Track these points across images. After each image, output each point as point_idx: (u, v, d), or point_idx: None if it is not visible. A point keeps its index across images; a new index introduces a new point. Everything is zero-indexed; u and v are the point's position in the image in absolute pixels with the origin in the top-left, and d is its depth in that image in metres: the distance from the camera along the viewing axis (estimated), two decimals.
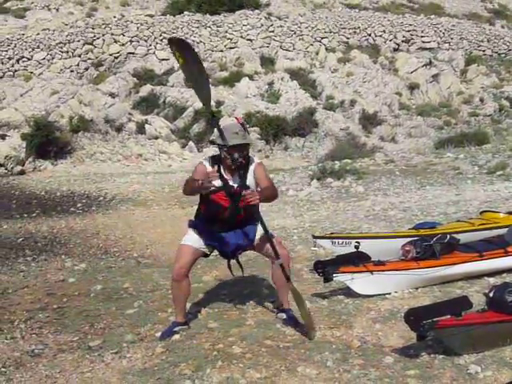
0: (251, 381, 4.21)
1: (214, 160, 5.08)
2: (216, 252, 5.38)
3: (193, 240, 5.17)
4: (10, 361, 4.83)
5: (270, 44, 30.47)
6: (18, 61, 28.03)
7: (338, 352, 4.64)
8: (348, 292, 5.97)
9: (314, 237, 7.29)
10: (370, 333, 5.01)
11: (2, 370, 4.67)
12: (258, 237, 5.16)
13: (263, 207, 5.96)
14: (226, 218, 5.06)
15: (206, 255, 5.35)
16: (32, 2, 34.15)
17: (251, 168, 5.04)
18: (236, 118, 5.41)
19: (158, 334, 5.19)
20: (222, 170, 5.00)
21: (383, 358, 4.48)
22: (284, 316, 5.21)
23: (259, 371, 4.35)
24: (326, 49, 30.94)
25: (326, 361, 4.48)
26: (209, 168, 5.00)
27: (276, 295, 5.56)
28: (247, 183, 4.98)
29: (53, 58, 28.35)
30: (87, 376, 4.50)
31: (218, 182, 4.95)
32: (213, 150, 21.68)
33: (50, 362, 4.78)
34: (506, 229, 6.75)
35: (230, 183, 5.01)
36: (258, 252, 5.35)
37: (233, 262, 5.44)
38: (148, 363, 4.64)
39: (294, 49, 30.60)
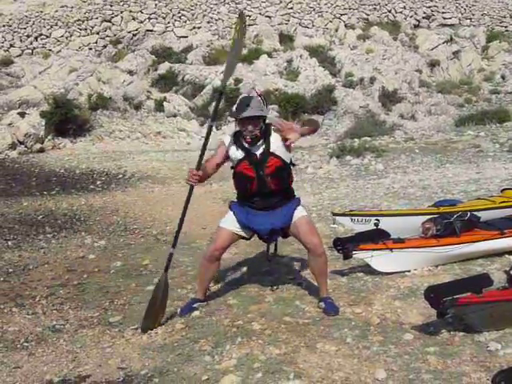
0: (270, 357, 4.22)
1: (236, 134, 5.07)
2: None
3: (229, 222, 5.17)
4: (31, 336, 4.90)
5: (288, 21, 30.24)
6: (36, 38, 28.08)
7: (357, 329, 4.64)
8: (367, 269, 5.96)
9: (334, 214, 7.28)
10: (389, 310, 5.00)
11: (25, 344, 4.74)
12: (294, 219, 5.07)
13: None
14: (255, 191, 5.00)
15: (245, 238, 5.30)
16: None
17: (274, 136, 4.96)
18: (254, 89, 5.43)
19: (178, 311, 5.21)
20: (243, 142, 4.98)
21: (403, 335, 4.47)
22: (323, 305, 5.06)
23: (278, 347, 4.36)
24: (346, 26, 30.66)
25: (346, 337, 4.48)
26: (231, 147, 5.05)
27: (315, 283, 5.37)
28: (271, 150, 4.94)
29: (71, 36, 28.37)
30: (108, 351, 4.55)
31: (239, 153, 4.99)
32: (231, 127, 21.68)
33: (71, 338, 4.83)
34: None
35: (252, 151, 4.97)
36: (293, 236, 5.22)
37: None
38: (168, 339, 4.68)
39: (313, 26, 30.35)
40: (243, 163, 4.98)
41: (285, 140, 4.85)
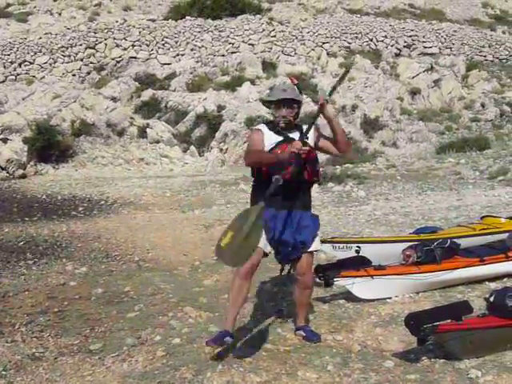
0: None
1: (269, 124, 4.95)
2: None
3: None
4: (10, 364, 4.82)
5: (271, 49, 30.53)
6: (20, 65, 28.11)
7: (338, 356, 4.64)
8: (349, 296, 5.98)
9: None
10: (370, 337, 5.01)
11: (3, 373, 4.67)
12: (313, 245, 4.91)
13: None
14: (289, 177, 4.62)
15: (265, 254, 4.90)
16: (34, 7, 34.32)
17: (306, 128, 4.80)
18: (290, 78, 5.39)
19: (159, 338, 5.18)
20: (277, 128, 4.84)
21: (383, 363, 4.48)
22: (303, 333, 5.02)
23: (259, 375, 4.35)
24: (328, 54, 31.00)
25: (327, 365, 4.48)
26: (266, 133, 4.85)
27: (294, 311, 5.29)
28: (307, 140, 4.71)
29: (55, 62, 28.44)
30: (88, 379, 4.50)
31: (276, 137, 4.82)
32: (214, 154, 21.72)
33: (51, 366, 4.78)
34: (507, 234, 6.75)
35: (290, 135, 4.81)
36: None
37: None
38: (148, 367, 4.64)
39: (295, 54, 30.65)
40: (282, 145, 4.73)
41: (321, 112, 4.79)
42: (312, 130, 4.83)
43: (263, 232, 4.66)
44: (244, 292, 4.76)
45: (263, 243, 4.76)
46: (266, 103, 5.12)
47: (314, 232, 4.93)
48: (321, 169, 4.88)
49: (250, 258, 4.62)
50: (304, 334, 5.02)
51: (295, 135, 4.78)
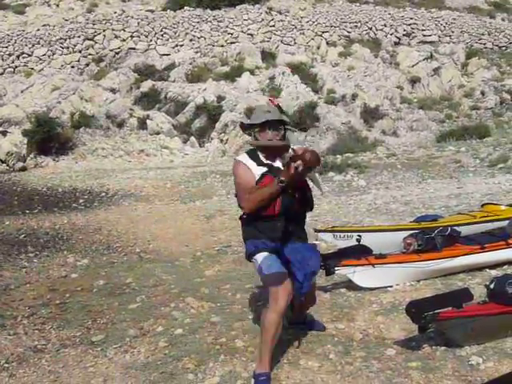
0: None
1: (251, 153, 4.36)
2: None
3: (277, 265, 4.23)
4: (12, 356, 4.85)
5: (270, 39, 30.46)
6: (18, 57, 28.05)
7: (340, 345, 4.66)
8: (350, 285, 5.99)
9: (316, 230, 7.29)
10: (371, 325, 5.02)
11: (5, 365, 4.69)
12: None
13: None
14: (278, 211, 4.17)
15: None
16: None
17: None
18: (270, 99, 4.85)
19: (161, 329, 5.19)
20: (261, 158, 4.29)
21: (385, 351, 4.49)
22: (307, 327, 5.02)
23: None
24: (327, 43, 30.93)
25: (329, 353, 4.49)
26: (251, 165, 4.26)
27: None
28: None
29: (53, 54, 28.37)
30: (90, 371, 4.52)
31: (260, 169, 4.23)
32: (214, 145, 21.70)
33: (53, 358, 4.80)
34: (507, 221, 6.75)
35: (274, 165, 4.29)
36: None
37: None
38: (151, 357, 4.66)
39: (294, 43, 30.59)
40: (266, 177, 4.20)
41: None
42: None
43: (268, 255, 4.24)
44: (281, 328, 4.29)
45: (278, 266, 4.23)
46: (248, 128, 4.43)
47: (318, 259, 4.50)
48: (312, 194, 4.41)
49: (286, 294, 4.19)
50: (308, 326, 5.04)
51: (279, 164, 4.29)
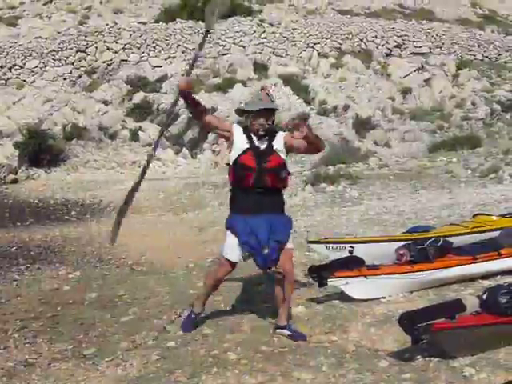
0: None
1: (244, 129, 5.13)
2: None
3: (232, 248, 5.08)
4: (2, 371, 4.79)
5: (262, 50, 30.50)
6: (10, 69, 27.94)
7: (333, 357, 4.64)
8: (343, 296, 5.97)
9: (309, 242, 7.30)
10: (365, 337, 5.01)
11: None
12: (289, 245, 5.15)
13: None
14: (252, 184, 4.99)
15: (234, 265, 5.23)
16: (24, 10, 34.11)
17: (279, 135, 5.10)
18: (262, 87, 5.60)
19: (153, 342, 5.16)
20: (251, 134, 5.06)
21: (378, 362, 4.48)
22: (288, 332, 5.07)
23: (254, 377, 4.34)
24: (319, 54, 30.99)
25: (322, 366, 4.48)
26: (238, 133, 5.08)
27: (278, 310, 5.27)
28: (275, 147, 5.03)
29: (45, 66, 28.28)
30: None
31: (245, 143, 5.03)
32: (206, 156, 21.71)
33: (44, 372, 4.75)
34: (499, 231, 6.78)
35: (257, 144, 5.04)
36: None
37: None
38: (143, 371, 4.63)
39: (286, 55, 30.63)
40: (247, 153, 5.01)
41: (291, 135, 4.96)
42: (284, 134, 5.13)
43: (236, 240, 5.03)
44: (215, 289, 5.48)
45: (237, 254, 5.06)
46: (245, 113, 5.16)
47: (288, 230, 5.17)
48: (289, 176, 5.19)
49: (218, 272, 5.24)
50: (289, 333, 5.07)
51: (264, 143, 5.04)
